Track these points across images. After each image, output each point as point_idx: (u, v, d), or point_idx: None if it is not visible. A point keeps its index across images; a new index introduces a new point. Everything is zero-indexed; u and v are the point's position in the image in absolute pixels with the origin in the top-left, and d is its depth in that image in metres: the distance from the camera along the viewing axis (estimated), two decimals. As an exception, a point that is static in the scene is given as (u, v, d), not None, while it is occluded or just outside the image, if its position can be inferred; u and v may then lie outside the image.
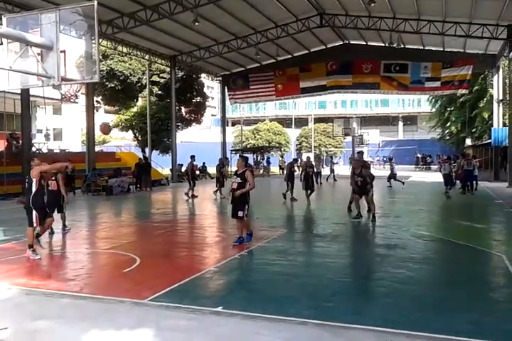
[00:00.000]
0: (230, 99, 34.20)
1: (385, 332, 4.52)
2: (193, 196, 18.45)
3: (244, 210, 8.73)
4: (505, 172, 25.79)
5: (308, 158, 18.67)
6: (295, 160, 19.44)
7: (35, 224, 7.92)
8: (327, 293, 5.90)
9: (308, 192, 16.45)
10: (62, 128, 47.03)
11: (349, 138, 41.60)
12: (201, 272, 6.91)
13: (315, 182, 18.35)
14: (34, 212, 7.86)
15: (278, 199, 16.87)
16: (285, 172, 17.23)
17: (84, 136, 33.94)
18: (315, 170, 19.28)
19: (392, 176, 23.20)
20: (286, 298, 5.65)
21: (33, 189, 7.89)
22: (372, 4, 19.67)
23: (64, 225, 10.69)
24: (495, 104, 28.47)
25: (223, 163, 19.93)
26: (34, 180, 7.89)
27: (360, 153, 14.76)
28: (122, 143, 51.90)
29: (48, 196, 8.71)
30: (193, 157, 18.95)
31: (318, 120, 61.96)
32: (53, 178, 9.98)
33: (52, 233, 10.13)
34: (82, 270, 7.31)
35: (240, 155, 10.25)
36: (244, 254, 8.03)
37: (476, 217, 13.29)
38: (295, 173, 17.54)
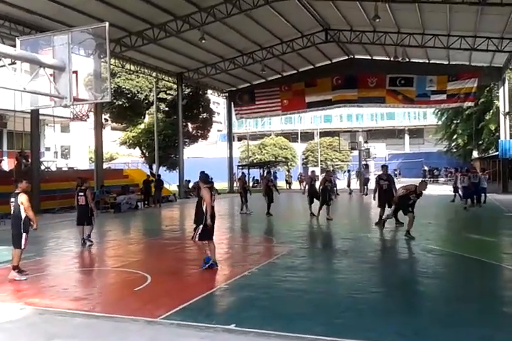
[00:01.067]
0: (236, 114, 34.41)
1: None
2: None
3: (197, 231, 8.14)
4: (514, 184, 25.68)
5: (328, 171, 18.83)
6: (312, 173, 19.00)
7: (23, 246, 7.89)
8: (338, 309, 5.88)
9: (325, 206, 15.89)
10: (70, 146, 47.43)
11: (356, 152, 41.61)
12: (212, 289, 6.91)
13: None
14: (24, 235, 7.84)
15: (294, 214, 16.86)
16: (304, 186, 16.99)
17: (92, 154, 34.21)
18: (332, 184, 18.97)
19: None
20: (298, 314, 5.64)
21: (22, 215, 7.84)
22: (377, 19, 19.83)
23: (89, 235, 11.29)
24: (501, 116, 28.49)
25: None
26: (22, 206, 7.83)
27: (385, 166, 14.93)
28: (129, 159, 52.12)
29: (77, 210, 10.67)
30: (202, 173, 18.94)
31: (324, 134, 62.00)
32: (81, 194, 11.01)
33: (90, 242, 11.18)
34: (93, 288, 7.33)
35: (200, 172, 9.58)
36: (254, 271, 8.02)
37: (485, 230, 13.19)
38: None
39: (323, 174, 19.78)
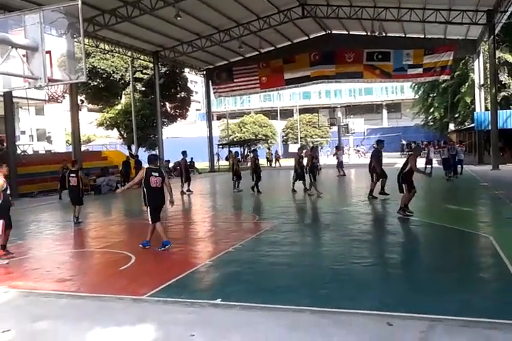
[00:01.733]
0: (214, 92, 34.15)
1: (381, 316, 4.65)
2: (188, 191, 18.47)
3: (148, 214, 8.26)
4: (489, 155, 26.20)
5: (314, 148, 18.83)
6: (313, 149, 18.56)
7: (0, 233, 7.83)
8: (322, 280, 6.02)
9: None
10: (46, 129, 46.59)
11: (335, 128, 41.79)
12: (197, 266, 6.99)
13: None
14: (1, 222, 7.73)
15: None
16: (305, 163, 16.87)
17: (69, 136, 33.68)
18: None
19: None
20: (282, 287, 5.75)
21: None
22: (353, -6, 19.74)
23: (77, 217, 11.75)
24: (476, 89, 28.84)
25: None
26: None
27: (381, 141, 15.18)
28: (107, 141, 51.53)
29: (69, 191, 11.17)
30: (184, 153, 18.88)
31: (304, 111, 62.05)
32: (73, 175, 11.49)
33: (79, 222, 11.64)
34: (77, 270, 7.36)
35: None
36: (238, 247, 8.12)
37: (462, 201, 13.51)
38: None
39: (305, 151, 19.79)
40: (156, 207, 8.27)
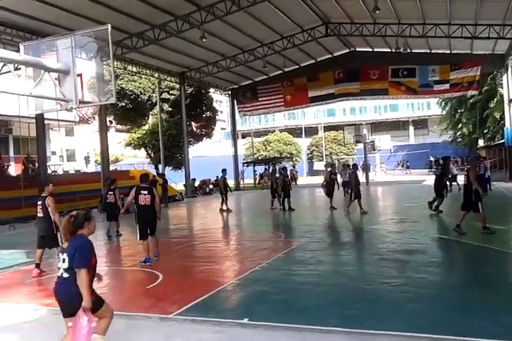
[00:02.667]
0: (239, 111, 34.46)
1: (410, 337, 4.54)
2: (228, 210, 18.40)
3: (137, 230, 8.78)
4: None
5: (333, 165, 19.01)
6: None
7: (61, 244, 8.21)
8: (350, 300, 5.93)
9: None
10: (75, 149, 47.68)
11: (360, 145, 41.59)
12: (224, 285, 6.98)
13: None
14: (59, 234, 8.17)
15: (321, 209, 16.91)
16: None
17: (97, 156, 34.36)
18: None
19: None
20: (310, 307, 5.70)
21: (52, 217, 8.26)
22: (377, 11, 19.79)
23: (117, 231, 12.93)
24: (506, 104, 28.34)
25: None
26: (50, 208, 8.25)
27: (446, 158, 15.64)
28: (135, 161, 52.34)
29: (106, 208, 11.95)
30: (224, 171, 18.99)
31: (328, 128, 61.97)
32: (111, 193, 12.31)
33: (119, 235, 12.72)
34: (106, 287, 7.41)
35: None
36: (264, 266, 8.09)
37: (494, 218, 13.13)
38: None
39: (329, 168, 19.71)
40: (144, 224, 8.72)
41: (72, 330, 3.96)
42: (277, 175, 18.63)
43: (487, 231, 10.07)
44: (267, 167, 39.88)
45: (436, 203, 14.07)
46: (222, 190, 18.73)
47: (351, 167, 17.20)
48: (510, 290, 6.20)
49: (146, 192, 8.67)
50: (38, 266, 8.38)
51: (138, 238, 8.80)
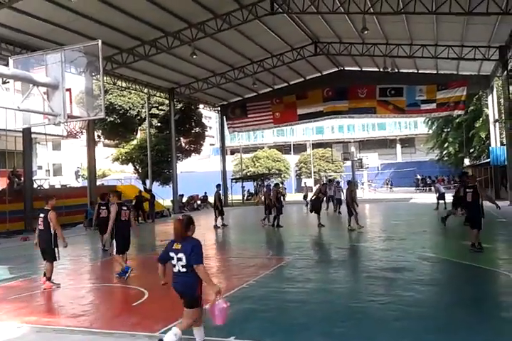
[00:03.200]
0: (228, 128, 34.56)
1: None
2: (223, 225, 18.35)
3: (111, 247, 9.13)
4: (506, 191, 25.86)
5: (324, 184, 20.14)
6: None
7: (58, 259, 8.53)
8: (338, 318, 5.89)
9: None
10: (62, 164, 47.36)
11: (348, 163, 41.86)
12: (210, 303, 6.87)
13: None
14: (56, 250, 8.42)
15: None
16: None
17: (85, 171, 34.10)
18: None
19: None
20: (298, 325, 5.64)
21: (52, 230, 8.36)
22: (366, 31, 20.13)
23: (104, 245, 12.70)
24: (491, 124, 28.79)
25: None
26: (52, 223, 8.36)
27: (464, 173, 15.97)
28: (122, 176, 52.02)
29: (98, 222, 11.66)
30: (218, 186, 18.88)
31: (317, 145, 62.36)
32: (103, 207, 12.27)
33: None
34: (90, 305, 7.29)
35: (111, 191, 10.52)
36: (252, 283, 8.01)
37: (481, 237, 13.23)
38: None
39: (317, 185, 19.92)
40: (124, 238, 8.98)
41: (211, 312, 4.79)
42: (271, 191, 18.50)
43: (474, 249, 10.12)
44: (260, 183, 39.95)
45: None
46: (217, 205, 18.53)
47: (346, 184, 17.34)
48: (496, 310, 6.20)
49: (125, 208, 9.09)
50: (48, 279, 8.47)
51: (115, 252, 8.95)
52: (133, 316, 6.41)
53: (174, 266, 4.80)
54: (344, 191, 18.63)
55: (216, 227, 18.12)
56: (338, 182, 26.21)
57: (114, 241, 8.95)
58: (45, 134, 26.10)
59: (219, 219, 18.37)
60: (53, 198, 8.75)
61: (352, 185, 16.92)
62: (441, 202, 21.74)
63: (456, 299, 6.79)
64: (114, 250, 8.97)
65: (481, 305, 6.34)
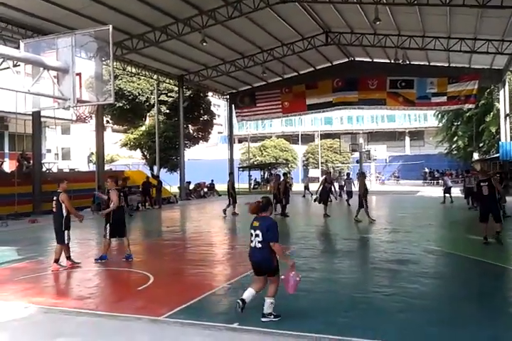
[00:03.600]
0: (237, 116, 34.46)
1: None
2: (234, 214, 18.29)
3: (105, 230, 9.19)
4: (515, 186, 25.72)
5: (328, 173, 19.87)
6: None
7: (66, 242, 8.65)
8: (341, 308, 5.92)
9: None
10: (70, 148, 47.57)
11: (356, 154, 41.74)
12: (215, 289, 6.96)
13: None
14: (66, 232, 8.61)
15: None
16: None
17: (93, 155, 34.30)
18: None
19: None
20: (301, 313, 5.69)
21: (64, 213, 8.55)
22: (378, 22, 19.89)
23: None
24: (502, 118, 28.53)
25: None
26: (64, 205, 8.51)
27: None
28: (130, 161, 52.25)
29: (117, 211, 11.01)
30: (231, 174, 18.80)
31: (325, 136, 62.15)
32: (121, 194, 11.89)
33: None
34: (97, 288, 7.38)
35: (109, 176, 10.63)
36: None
37: (492, 231, 13.20)
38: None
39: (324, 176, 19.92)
40: (119, 224, 9.21)
41: (285, 283, 5.33)
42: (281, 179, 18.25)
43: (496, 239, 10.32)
44: (273, 172, 39.94)
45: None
46: (230, 192, 18.49)
47: (358, 175, 17.31)
48: (503, 304, 6.20)
49: (121, 194, 9.42)
50: (68, 258, 8.84)
51: (108, 237, 9.18)
52: (138, 300, 6.48)
53: (252, 241, 5.39)
54: (355, 183, 18.64)
55: (233, 214, 18.14)
56: (348, 174, 26.13)
57: (109, 225, 9.13)
58: (54, 118, 26.19)
59: (230, 207, 18.36)
60: (64, 181, 8.86)
61: (364, 177, 16.68)
62: (447, 195, 21.78)
63: (461, 293, 6.79)
64: (108, 234, 9.15)
65: (486, 299, 6.35)
